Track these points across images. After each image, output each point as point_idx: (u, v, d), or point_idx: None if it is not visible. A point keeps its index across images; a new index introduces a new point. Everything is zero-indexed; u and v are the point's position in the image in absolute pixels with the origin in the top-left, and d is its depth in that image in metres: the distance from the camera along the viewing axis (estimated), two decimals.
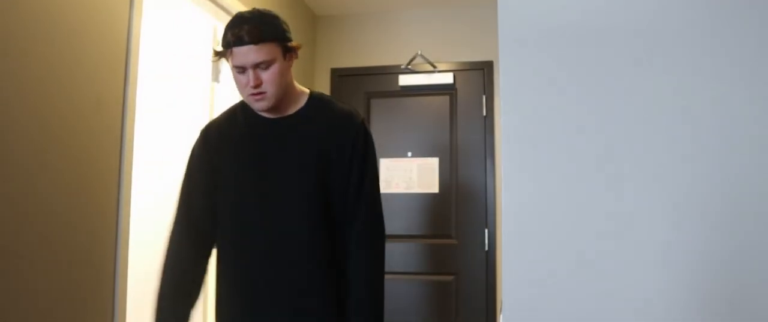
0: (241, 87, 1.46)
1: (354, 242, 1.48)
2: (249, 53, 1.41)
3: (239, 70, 1.44)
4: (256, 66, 1.42)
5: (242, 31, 1.40)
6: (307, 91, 1.59)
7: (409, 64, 3.58)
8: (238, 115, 1.58)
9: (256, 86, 1.43)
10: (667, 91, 1.08)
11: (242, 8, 2.68)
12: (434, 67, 3.56)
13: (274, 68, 1.44)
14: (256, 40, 1.40)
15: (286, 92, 1.50)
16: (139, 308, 2.56)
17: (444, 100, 3.59)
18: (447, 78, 3.54)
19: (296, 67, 3.44)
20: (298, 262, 1.44)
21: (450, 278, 3.44)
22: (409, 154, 3.57)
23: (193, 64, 2.72)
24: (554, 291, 1.08)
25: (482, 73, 3.55)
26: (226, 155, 1.53)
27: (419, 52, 3.57)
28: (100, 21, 1.82)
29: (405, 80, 3.59)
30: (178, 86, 2.73)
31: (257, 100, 1.46)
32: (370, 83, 3.68)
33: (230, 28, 1.43)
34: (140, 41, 2.04)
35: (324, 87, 3.74)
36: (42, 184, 1.59)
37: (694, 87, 1.07)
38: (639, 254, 1.06)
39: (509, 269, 1.10)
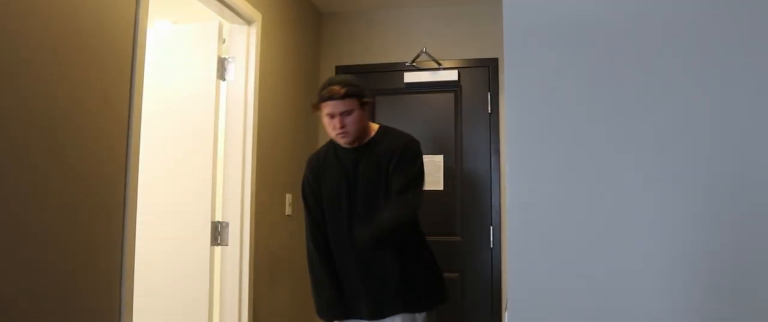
0: (330, 128, 2.13)
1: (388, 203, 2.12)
2: (336, 106, 2.08)
3: (330, 116, 2.10)
4: (341, 115, 2.08)
5: (332, 90, 2.08)
6: (377, 126, 2.25)
7: (413, 61, 3.58)
8: (330, 149, 2.26)
9: (342, 128, 2.09)
10: (673, 88, 1.07)
11: (248, 7, 2.69)
12: (439, 64, 3.56)
13: (353, 116, 2.10)
14: (341, 98, 2.07)
15: (363, 131, 2.17)
16: (146, 303, 2.57)
17: (449, 97, 3.58)
18: (452, 75, 3.54)
19: (301, 66, 3.44)
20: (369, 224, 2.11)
21: (455, 275, 3.44)
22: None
23: (199, 63, 2.73)
24: (559, 288, 1.08)
25: (487, 70, 3.54)
26: (326, 174, 2.22)
27: (424, 50, 3.56)
28: (107, 20, 1.83)
29: (410, 77, 3.58)
30: (184, 84, 2.74)
31: (342, 137, 2.13)
32: (375, 80, 3.68)
33: (323, 87, 2.12)
34: (146, 40, 2.04)
35: None
36: (49, 182, 1.61)
37: (700, 84, 1.07)
38: (643, 250, 1.06)
39: (514, 266, 1.10)
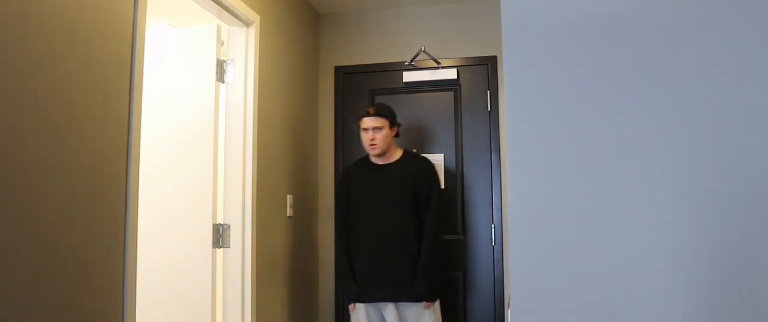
0: (365, 140, 2.85)
1: (425, 224, 2.82)
2: (371, 121, 2.82)
3: (365, 130, 2.83)
4: (374, 129, 2.81)
5: (370, 109, 2.84)
6: (402, 150, 2.97)
7: (412, 60, 3.58)
8: (363, 163, 2.98)
9: (372, 140, 2.82)
10: (673, 84, 1.07)
11: (246, 9, 2.69)
12: (438, 63, 3.56)
13: (383, 132, 2.83)
14: (375, 115, 2.82)
15: (389, 148, 2.88)
16: (149, 306, 2.57)
17: (448, 95, 3.58)
18: (451, 74, 3.54)
19: (300, 67, 3.45)
20: (393, 229, 2.80)
21: (458, 273, 3.44)
22: (414, 150, 3.56)
23: (198, 65, 2.73)
24: (561, 285, 1.08)
25: (486, 68, 3.54)
26: (358, 183, 2.92)
27: (423, 48, 3.56)
28: (106, 22, 1.83)
29: (409, 77, 3.58)
30: (183, 87, 2.74)
31: (372, 148, 2.85)
32: (375, 80, 3.68)
33: (365, 108, 2.88)
34: (145, 41, 2.04)
35: (328, 85, 3.74)
36: (51, 184, 1.61)
37: (702, 82, 1.06)
38: (644, 247, 1.06)
39: (516, 264, 1.10)
